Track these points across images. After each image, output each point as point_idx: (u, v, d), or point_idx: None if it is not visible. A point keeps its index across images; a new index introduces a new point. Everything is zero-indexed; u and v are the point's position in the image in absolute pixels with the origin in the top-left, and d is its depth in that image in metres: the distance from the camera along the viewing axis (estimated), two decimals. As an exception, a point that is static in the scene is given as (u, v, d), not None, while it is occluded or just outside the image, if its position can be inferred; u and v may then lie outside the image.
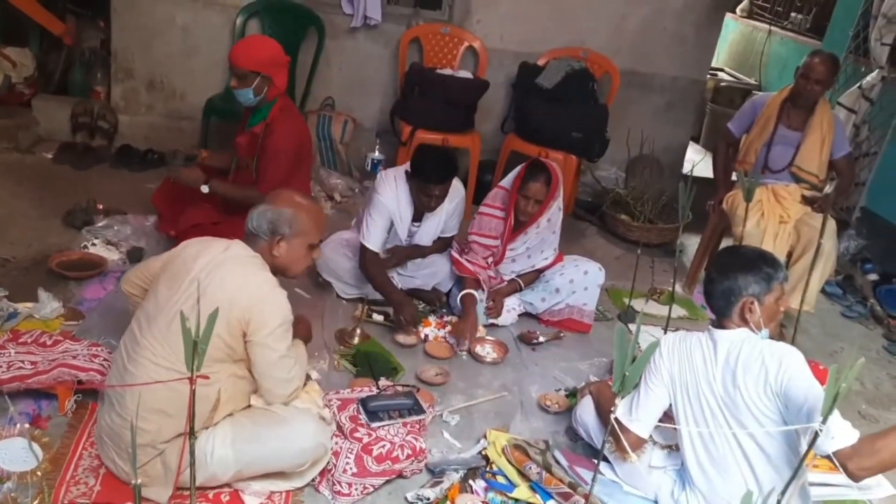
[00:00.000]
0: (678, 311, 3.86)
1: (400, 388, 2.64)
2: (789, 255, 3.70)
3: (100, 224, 3.63)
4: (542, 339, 3.35)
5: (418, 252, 3.46)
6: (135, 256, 3.48)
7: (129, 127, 4.61)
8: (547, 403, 2.88)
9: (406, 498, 2.32)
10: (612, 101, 4.69)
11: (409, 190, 3.26)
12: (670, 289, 3.89)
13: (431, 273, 3.46)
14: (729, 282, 2.24)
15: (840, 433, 1.96)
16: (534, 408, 2.90)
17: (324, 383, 2.79)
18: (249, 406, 2.24)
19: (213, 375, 2.07)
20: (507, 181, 3.34)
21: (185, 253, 2.22)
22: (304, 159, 3.50)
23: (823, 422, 1.88)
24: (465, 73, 4.46)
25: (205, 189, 3.32)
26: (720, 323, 2.28)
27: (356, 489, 2.29)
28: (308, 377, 2.63)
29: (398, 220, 3.29)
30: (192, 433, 1.60)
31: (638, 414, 2.33)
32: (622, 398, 1.91)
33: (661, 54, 4.98)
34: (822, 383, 2.93)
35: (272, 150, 3.35)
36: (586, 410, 2.60)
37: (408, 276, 3.47)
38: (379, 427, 2.41)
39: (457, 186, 3.38)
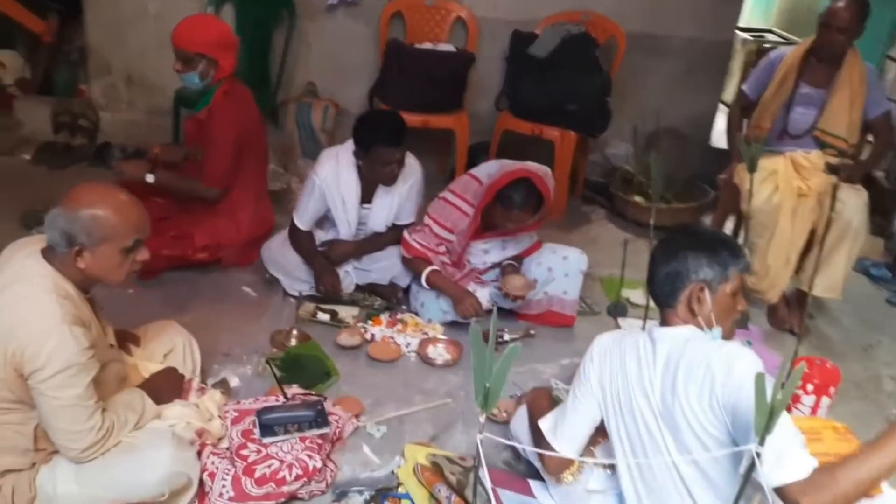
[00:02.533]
0: (683, 301, 3.37)
1: (310, 398, 2.31)
2: (812, 234, 3.18)
3: (51, 224, 3.47)
4: (506, 337, 2.96)
5: (373, 244, 3.14)
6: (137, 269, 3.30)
7: (111, 124, 4.47)
8: (494, 412, 2.50)
9: (295, 525, 2.02)
10: (617, 69, 4.21)
11: (355, 169, 2.95)
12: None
13: (387, 266, 3.13)
14: (676, 262, 1.81)
15: (793, 461, 1.51)
16: (476, 419, 2.52)
17: (242, 391, 2.53)
18: None
19: (16, 415, 1.81)
20: (482, 172, 2.95)
21: None
22: (252, 149, 3.23)
23: (760, 443, 1.47)
24: (447, 47, 4.09)
25: (150, 178, 3.12)
26: (664, 318, 1.86)
27: (236, 516, 1.99)
28: (207, 385, 2.37)
29: (340, 203, 2.98)
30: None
31: (563, 430, 1.94)
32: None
33: (678, 13, 4.44)
34: (827, 385, 2.46)
35: (210, 138, 3.12)
36: (520, 422, 2.22)
37: (363, 270, 3.15)
38: (272, 443, 2.11)
39: (412, 164, 3.04)
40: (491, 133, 4.28)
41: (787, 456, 1.51)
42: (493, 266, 3.11)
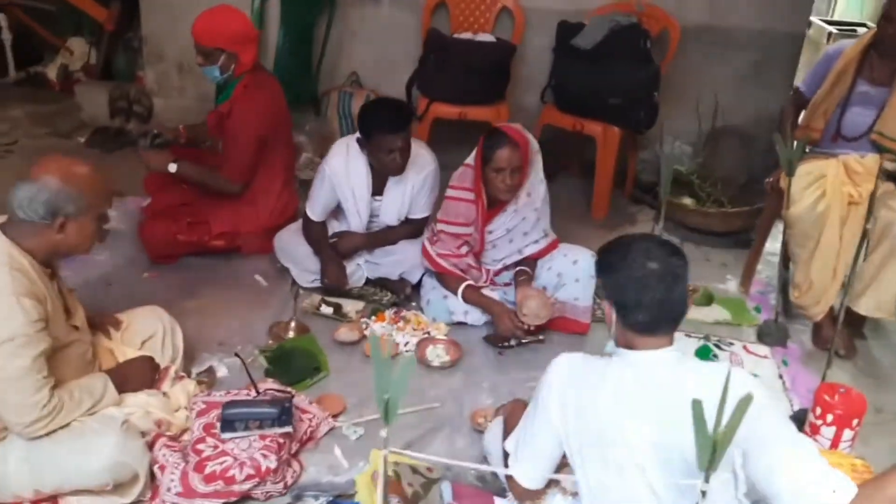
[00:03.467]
0: (717, 313, 3.13)
1: (279, 395, 2.24)
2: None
3: (84, 206, 3.57)
4: (513, 341, 2.81)
5: (384, 237, 3.05)
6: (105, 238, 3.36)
7: (164, 110, 4.56)
8: (479, 421, 2.37)
9: (244, 527, 1.95)
10: (668, 62, 3.95)
11: (365, 159, 2.88)
12: (706, 285, 3.21)
13: (398, 261, 3.03)
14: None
15: (839, 484, 1.44)
16: (464, 425, 2.40)
17: (228, 382, 2.49)
18: None
19: None
20: (471, 157, 2.83)
21: None
22: (275, 139, 3.21)
23: (706, 479, 1.30)
24: (487, 37, 3.95)
25: (172, 168, 3.15)
26: (641, 342, 1.64)
27: (186, 511, 1.95)
28: (184, 374, 2.35)
29: (349, 194, 2.91)
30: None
31: (524, 457, 1.78)
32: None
33: (746, 3, 4.13)
34: (850, 417, 2.20)
35: (231, 132, 3.12)
36: (494, 436, 2.07)
37: (373, 263, 3.07)
38: (230, 439, 2.05)
39: (425, 156, 2.94)
40: (535, 128, 4.12)
41: (835, 480, 1.45)
42: (506, 269, 2.96)
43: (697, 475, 1.49)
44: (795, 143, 3.04)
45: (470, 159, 2.81)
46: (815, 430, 2.22)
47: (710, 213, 3.81)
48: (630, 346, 1.66)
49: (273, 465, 2.00)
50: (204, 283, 3.10)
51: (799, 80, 3.82)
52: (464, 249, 2.89)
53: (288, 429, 2.10)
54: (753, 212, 3.71)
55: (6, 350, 1.76)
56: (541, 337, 2.84)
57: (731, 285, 3.41)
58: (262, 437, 2.06)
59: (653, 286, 1.59)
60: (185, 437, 2.12)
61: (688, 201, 3.93)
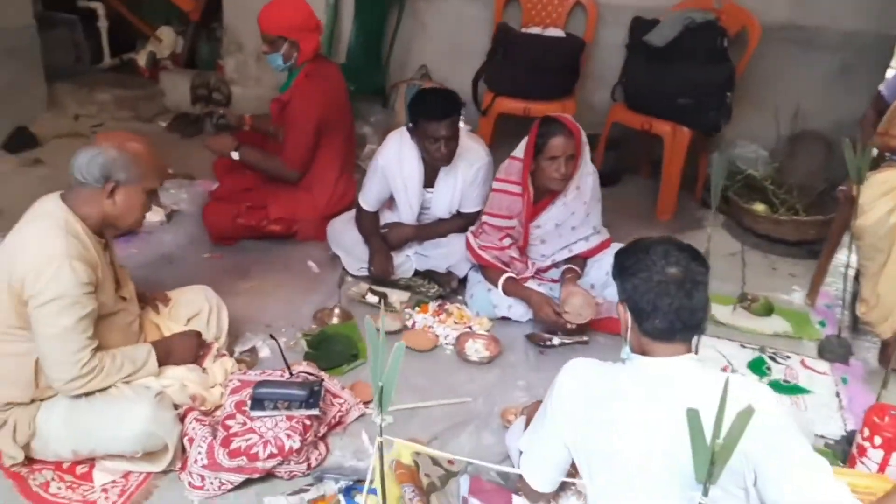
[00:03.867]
0: (777, 324, 2.99)
1: (310, 379, 2.28)
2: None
3: (157, 187, 3.74)
4: (556, 341, 2.76)
5: (434, 230, 3.06)
6: (173, 219, 3.52)
7: (241, 99, 4.71)
8: (510, 418, 2.34)
9: (263, 502, 1.99)
10: (745, 62, 3.79)
11: (416, 151, 2.90)
12: (768, 295, 3.07)
13: (445, 253, 3.03)
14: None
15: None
16: (494, 421, 2.38)
17: (268, 362, 2.55)
18: None
19: (20, 345, 1.92)
20: (518, 151, 2.79)
21: None
22: (334, 128, 3.27)
23: (705, 493, 1.26)
24: (556, 32, 3.89)
25: (235, 155, 3.26)
26: (658, 350, 1.58)
27: (210, 483, 2.01)
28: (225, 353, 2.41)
29: (401, 185, 2.94)
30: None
31: (533, 458, 1.75)
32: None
33: (831, 3, 3.92)
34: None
35: (291, 120, 3.20)
36: (514, 436, 2.04)
37: (422, 255, 3.08)
38: (258, 417, 2.10)
39: (478, 150, 2.94)
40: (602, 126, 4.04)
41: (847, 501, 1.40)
42: (555, 266, 2.92)
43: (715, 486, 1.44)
44: (874, 150, 2.87)
45: (517, 152, 2.78)
46: (861, 452, 2.09)
47: (781, 220, 3.64)
48: (645, 353, 1.60)
49: (296, 446, 2.04)
50: (258, 265, 3.19)
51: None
52: (506, 242, 2.86)
53: (315, 411, 2.13)
54: (828, 221, 3.51)
55: (53, 308, 1.85)
56: (584, 338, 2.78)
57: (797, 297, 3.25)
58: (289, 418, 2.10)
59: (672, 292, 1.54)
60: (218, 412, 2.19)
61: (759, 207, 3.76)
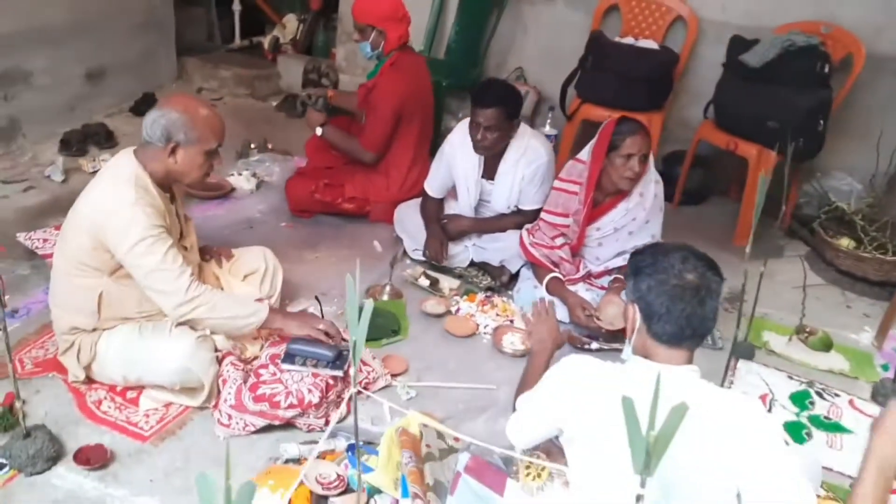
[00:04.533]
0: (834, 361, 2.89)
1: (342, 344, 2.43)
2: None
3: (254, 158, 4.03)
4: (594, 345, 2.78)
5: (491, 224, 3.16)
6: (261, 188, 3.79)
7: (348, 85, 4.92)
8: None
9: (280, 447, 2.16)
10: (847, 90, 3.64)
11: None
12: (833, 332, 2.97)
13: (501, 248, 3.12)
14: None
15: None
16: (510, 410, 2.44)
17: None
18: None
19: (89, 280, 2.16)
20: (584, 154, 2.83)
21: None
22: (414, 117, 3.42)
23: (641, 484, 1.30)
24: (650, 44, 3.87)
25: (318, 132, 3.48)
26: (668, 356, 1.61)
27: (237, 423, 2.20)
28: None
29: (461, 172, 3.08)
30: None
31: (521, 416, 1.88)
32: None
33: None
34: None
35: (373, 105, 3.38)
36: (514, 428, 2.09)
37: (480, 248, 3.18)
38: (287, 370, 2.28)
39: (538, 149, 3.01)
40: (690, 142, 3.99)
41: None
42: (607, 272, 2.94)
43: (697, 499, 1.46)
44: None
45: (582, 155, 2.83)
46: None
47: (863, 256, 3.47)
48: (647, 356, 1.63)
49: (315, 401, 2.20)
50: (327, 239, 3.39)
51: None
52: (559, 241, 2.91)
53: (338, 372, 2.28)
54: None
55: (140, 250, 2.08)
56: (622, 347, 2.78)
57: (865, 337, 3.11)
58: (315, 375, 2.26)
59: (686, 298, 1.56)
60: (255, 361, 2.38)
61: (844, 241, 3.60)
